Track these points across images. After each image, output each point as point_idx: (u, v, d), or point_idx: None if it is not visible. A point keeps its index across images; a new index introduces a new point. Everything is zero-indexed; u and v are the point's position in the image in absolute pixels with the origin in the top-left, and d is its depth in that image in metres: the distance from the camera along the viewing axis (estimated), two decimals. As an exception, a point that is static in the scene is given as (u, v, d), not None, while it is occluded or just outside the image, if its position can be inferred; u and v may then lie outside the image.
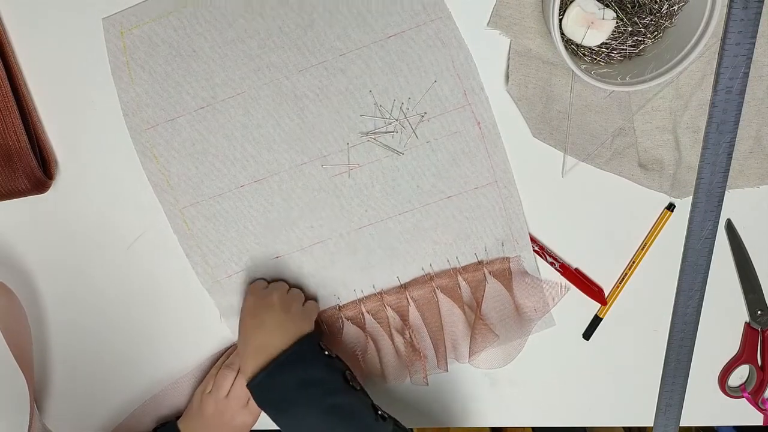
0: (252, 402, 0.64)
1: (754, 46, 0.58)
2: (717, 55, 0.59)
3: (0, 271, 0.67)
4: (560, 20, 0.56)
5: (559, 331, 0.70)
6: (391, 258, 0.67)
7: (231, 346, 0.70)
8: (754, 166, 0.64)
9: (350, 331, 0.68)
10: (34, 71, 0.61)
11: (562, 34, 0.57)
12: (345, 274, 0.68)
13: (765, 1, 0.57)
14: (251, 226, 0.66)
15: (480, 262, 0.67)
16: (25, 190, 0.61)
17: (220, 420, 0.64)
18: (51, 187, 0.64)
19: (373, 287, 0.68)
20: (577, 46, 0.59)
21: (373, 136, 0.63)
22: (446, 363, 0.68)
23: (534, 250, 0.66)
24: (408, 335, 0.67)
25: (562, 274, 0.67)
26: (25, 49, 0.61)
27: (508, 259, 0.67)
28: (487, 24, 0.60)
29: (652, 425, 0.72)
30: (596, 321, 0.69)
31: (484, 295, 0.66)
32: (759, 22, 0.57)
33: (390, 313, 0.67)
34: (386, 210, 0.66)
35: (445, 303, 0.67)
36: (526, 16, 0.59)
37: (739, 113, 0.60)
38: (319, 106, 0.62)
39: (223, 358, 0.69)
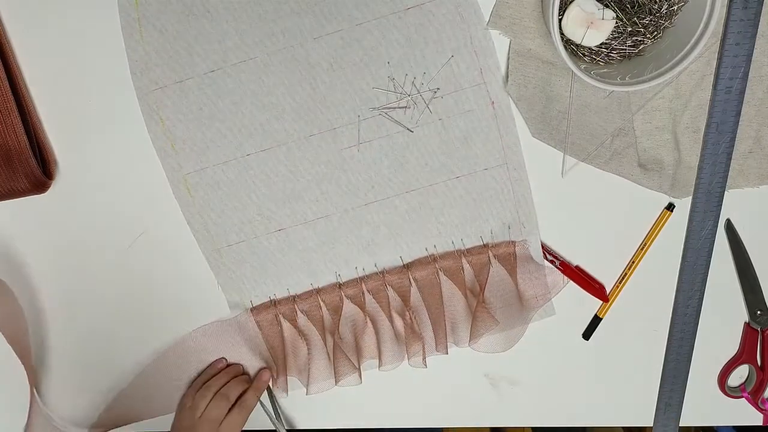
0: (224, 426, 0.66)
1: (753, 47, 0.58)
2: (717, 55, 0.59)
3: (0, 272, 0.67)
4: (560, 20, 0.56)
5: (559, 331, 0.70)
6: (396, 237, 0.66)
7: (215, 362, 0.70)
8: (754, 166, 0.64)
9: (349, 310, 0.67)
10: (34, 71, 0.61)
11: (561, 34, 0.57)
12: (348, 251, 0.67)
13: (765, 1, 0.57)
14: (255, 197, 0.65)
15: (485, 245, 0.66)
16: (24, 190, 0.61)
17: None
18: (51, 187, 0.64)
19: (375, 266, 0.67)
20: (577, 46, 0.59)
21: (384, 111, 0.62)
22: (446, 346, 0.67)
23: (534, 250, 0.67)
24: (408, 317, 0.67)
25: (563, 272, 0.67)
26: (25, 49, 0.61)
27: (513, 243, 0.66)
28: (487, 24, 0.60)
29: (652, 425, 0.72)
30: (596, 321, 0.69)
31: (488, 280, 0.66)
32: (759, 22, 0.58)
33: (391, 293, 0.67)
34: (393, 187, 0.65)
35: (447, 286, 0.67)
36: (526, 16, 0.59)
37: (738, 113, 0.60)
38: (332, 76, 0.61)
39: (207, 377, 0.69)
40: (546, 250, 0.67)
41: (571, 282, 0.67)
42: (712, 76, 0.60)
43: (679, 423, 0.71)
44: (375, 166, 0.64)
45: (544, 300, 0.68)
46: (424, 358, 0.68)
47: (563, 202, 0.66)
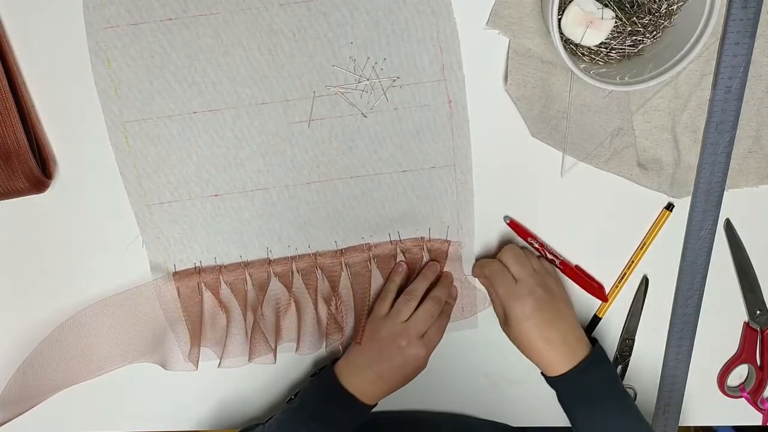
0: (427, 337, 0.63)
1: (753, 46, 0.58)
2: (716, 55, 0.59)
3: (-1, 271, 0.67)
4: (559, 20, 0.56)
5: (558, 331, 0.70)
6: (333, 221, 0.65)
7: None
8: (753, 166, 0.64)
9: (275, 288, 0.66)
10: (33, 70, 0.61)
11: (561, 33, 0.57)
12: (282, 228, 0.65)
13: (765, 1, 0.57)
14: (195, 157, 0.63)
15: (421, 238, 0.66)
16: (23, 189, 0.61)
17: (394, 344, 0.62)
18: (50, 187, 0.64)
19: (309, 247, 0.66)
20: (576, 45, 0.59)
21: (341, 91, 0.61)
22: (362, 336, 0.65)
23: (534, 248, 0.66)
24: (334, 306, 0.66)
25: (562, 271, 0.67)
26: (24, 49, 0.61)
27: (448, 242, 0.66)
28: (486, 23, 0.60)
29: (651, 425, 0.72)
30: (595, 321, 0.69)
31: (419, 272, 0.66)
32: (758, 21, 0.58)
33: (320, 276, 0.66)
34: (338, 170, 0.64)
35: (378, 277, 0.66)
36: (525, 15, 0.59)
37: (738, 113, 0.60)
38: (293, 46, 0.60)
39: (391, 284, 0.65)
40: (546, 250, 0.67)
41: (572, 282, 0.67)
42: (712, 76, 0.60)
43: (678, 423, 0.71)
44: (323, 146, 0.63)
45: (471, 313, 0.68)
46: (340, 349, 0.67)
47: (563, 202, 0.66)
